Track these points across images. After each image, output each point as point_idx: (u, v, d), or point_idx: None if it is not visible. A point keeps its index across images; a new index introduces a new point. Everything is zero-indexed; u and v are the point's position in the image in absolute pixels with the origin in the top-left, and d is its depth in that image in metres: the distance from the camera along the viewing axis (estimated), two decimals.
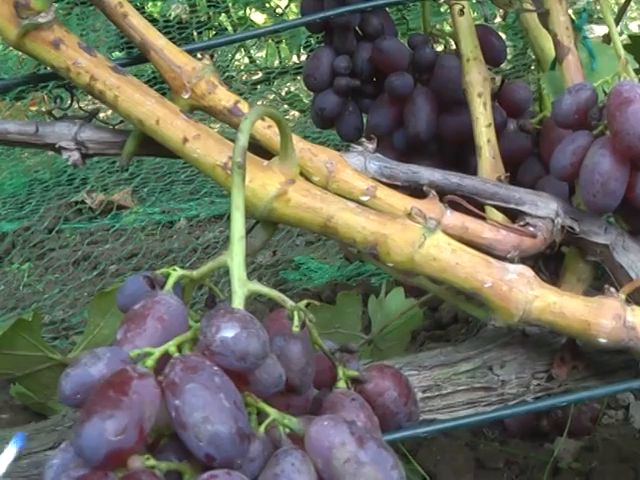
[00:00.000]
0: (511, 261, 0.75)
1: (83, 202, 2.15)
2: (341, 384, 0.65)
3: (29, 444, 0.75)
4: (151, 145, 0.78)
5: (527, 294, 0.70)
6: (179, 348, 0.55)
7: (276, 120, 0.67)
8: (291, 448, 0.53)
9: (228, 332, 0.51)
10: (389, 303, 1.08)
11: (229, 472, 0.48)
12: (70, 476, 0.47)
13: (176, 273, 0.63)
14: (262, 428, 0.54)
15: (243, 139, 0.62)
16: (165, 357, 0.54)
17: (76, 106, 0.84)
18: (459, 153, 1.04)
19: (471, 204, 0.78)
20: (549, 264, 0.88)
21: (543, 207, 0.78)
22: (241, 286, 0.59)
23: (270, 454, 0.53)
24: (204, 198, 2.19)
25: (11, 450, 0.47)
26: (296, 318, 0.62)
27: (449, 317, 1.41)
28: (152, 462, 0.49)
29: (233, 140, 0.75)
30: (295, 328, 0.61)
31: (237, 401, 0.50)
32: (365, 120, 1.06)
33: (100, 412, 0.47)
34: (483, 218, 0.78)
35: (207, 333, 0.52)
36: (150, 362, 0.53)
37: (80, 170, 2.25)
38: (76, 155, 0.78)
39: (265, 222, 0.75)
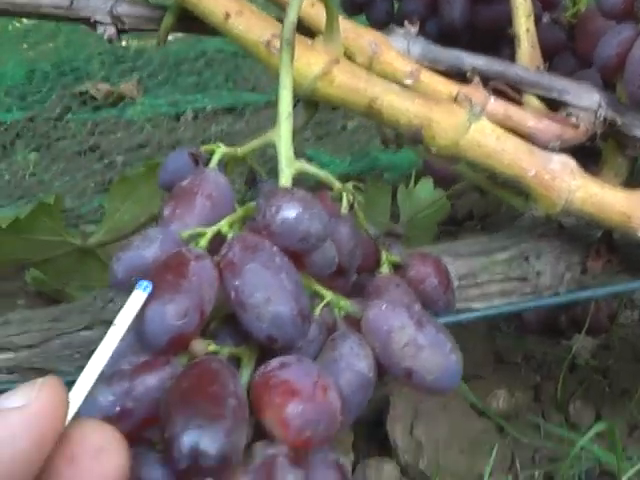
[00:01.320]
0: (553, 150, 0.74)
1: (88, 93, 2.11)
2: (384, 269, 0.64)
3: (61, 325, 0.74)
4: (189, 21, 0.75)
5: (570, 184, 0.70)
6: (231, 228, 0.54)
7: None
8: (348, 332, 0.53)
9: (290, 212, 0.50)
10: (418, 193, 1.07)
11: (300, 359, 0.47)
12: (131, 362, 0.46)
13: (221, 150, 0.62)
14: (318, 310, 0.53)
15: (292, 14, 0.60)
16: (217, 238, 0.53)
17: None
18: (491, 43, 1.01)
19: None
20: (586, 158, 0.87)
21: (586, 98, 0.77)
22: (289, 165, 0.58)
23: (326, 337, 0.53)
24: (211, 90, 2.15)
25: (140, 295, 0.45)
26: (345, 199, 0.61)
27: (464, 213, 1.40)
28: (214, 347, 0.48)
29: (276, 18, 0.73)
30: (344, 210, 0.60)
31: (298, 282, 0.49)
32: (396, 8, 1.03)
33: (160, 296, 0.46)
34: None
35: (266, 213, 0.50)
36: (203, 243, 0.52)
37: (83, 61, 2.21)
38: (112, 30, 0.76)
39: (307, 102, 0.73)
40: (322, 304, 0.54)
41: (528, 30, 0.87)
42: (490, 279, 0.77)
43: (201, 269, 0.48)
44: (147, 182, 1.03)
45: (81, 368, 0.74)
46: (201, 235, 0.53)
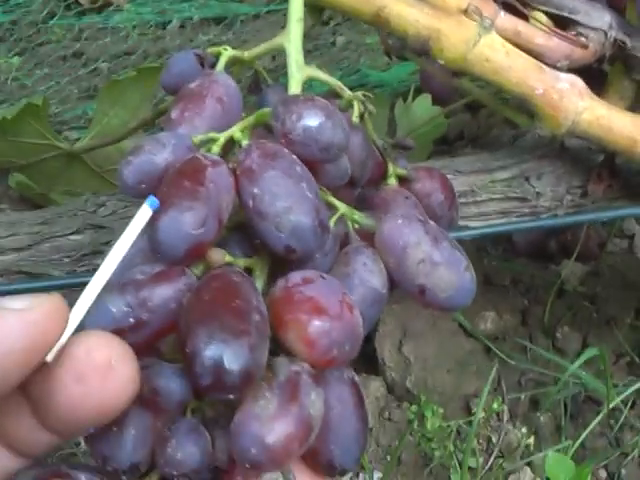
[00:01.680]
0: (561, 70, 0.73)
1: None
2: (391, 181, 0.63)
3: (50, 228, 0.73)
4: None
5: (577, 105, 0.69)
6: (242, 134, 0.52)
7: None
8: (362, 246, 0.51)
9: (311, 120, 0.48)
10: (415, 109, 1.05)
11: (322, 275, 0.45)
12: (144, 272, 0.44)
13: (227, 53, 0.60)
14: (332, 222, 0.51)
15: None
16: (229, 144, 0.51)
17: None
18: None
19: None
20: (590, 80, 0.85)
21: (597, 18, 0.75)
22: (299, 70, 0.57)
23: (338, 251, 0.51)
24: (199, 1, 2.10)
25: (146, 210, 0.43)
26: (356, 108, 0.59)
27: (455, 133, 1.38)
28: (229, 258, 0.46)
29: None
30: (355, 118, 0.59)
31: (318, 192, 0.47)
32: None
33: (177, 204, 0.43)
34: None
35: (286, 120, 0.48)
36: (216, 148, 0.50)
37: None
38: None
39: (312, 6, 0.70)
40: (336, 216, 0.52)
41: None
42: (489, 197, 0.76)
43: (218, 175, 0.46)
44: (137, 87, 1.00)
45: (71, 272, 0.73)
46: (214, 140, 0.51)
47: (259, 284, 0.46)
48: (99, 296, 0.41)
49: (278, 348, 0.43)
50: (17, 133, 0.99)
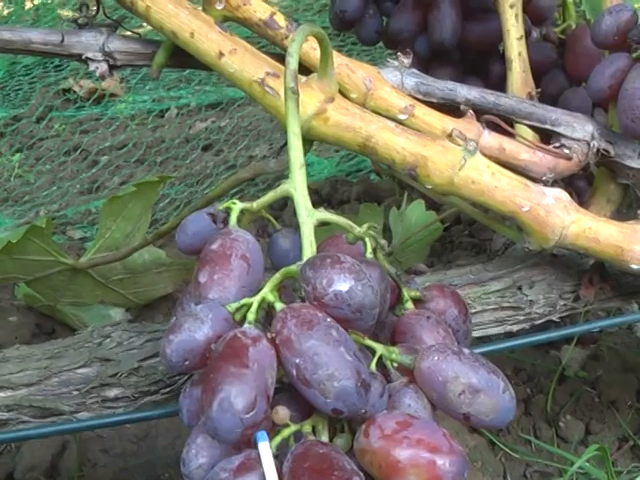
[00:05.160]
0: (546, 183, 0.75)
1: (72, 91, 2.09)
2: (409, 305, 0.64)
3: (58, 362, 0.75)
4: (182, 57, 0.75)
5: (564, 219, 0.70)
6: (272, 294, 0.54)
7: (319, 38, 0.65)
8: (404, 386, 0.55)
9: (342, 285, 0.51)
10: (410, 215, 1.07)
11: (410, 414, 0.50)
12: (225, 468, 0.47)
13: (237, 207, 0.62)
14: (373, 365, 0.55)
15: (294, 62, 0.61)
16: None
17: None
18: (481, 61, 1.02)
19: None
20: (578, 183, 0.88)
21: (579, 129, 0.77)
22: (309, 215, 0.58)
23: (384, 390, 0.53)
24: (195, 87, 2.14)
25: (266, 446, 0.48)
26: (368, 245, 0.61)
27: (451, 219, 1.40)
28: (295, 426, 0.50)
29: (269, 53, 0.73)
30: (369, 255, 0.60)
31: (356, 351, 0.50)
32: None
33: (227, 391, 0.46)
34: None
35: (317, 285, 0.51)
36: (251, 316, 0.53)
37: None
38: (104, 67, 0.75)
39: (302, 140, 0.73)
40: (375, 359, 0.55)
41: (520, 54, 0.88)
42: (484, 308, 0.78)
43: (260, 353, 0.49)
44: (137, 201, 1.02)
45: (79, 405, 0.75)
46: (247, 306, 0.54)
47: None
48: None
49: None
50: (23, 253, 1.01)
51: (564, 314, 0.80)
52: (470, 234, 1.39)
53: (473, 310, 0.78)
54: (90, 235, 1.51)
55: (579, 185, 0.89)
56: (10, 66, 2.20)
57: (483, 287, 0.79)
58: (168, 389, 0.73)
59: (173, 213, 1.57)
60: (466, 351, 0.55)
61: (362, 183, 1.57)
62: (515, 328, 0.80)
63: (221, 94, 2.09)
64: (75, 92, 2.09)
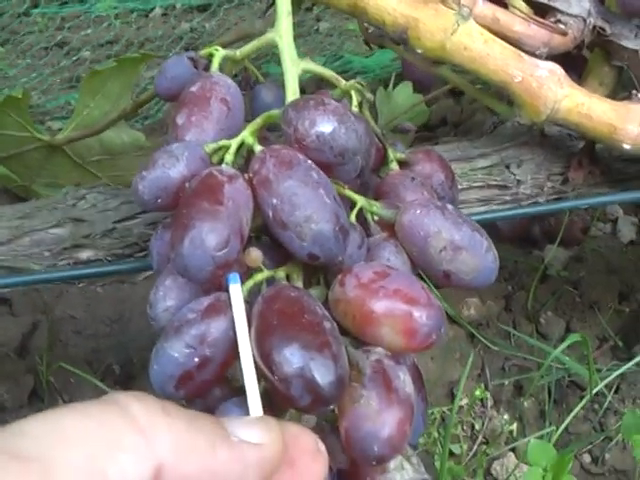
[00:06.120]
0: (540, 57, 0.72)
1: None
2: (393, 166, 0.63)
3: (30, 222, 0.72)
4: None
5: (557, 92, 0.68)
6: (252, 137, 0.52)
7: None
8: (384, 240, 0.53)
9: (324, 127, 0.48)
10: (397, 97, 1.05)
11: (389, 266, 0.48)
12: (194, 309, 0.45)
13: (220, 53, 0.60)
14: (353, 217, 0.53)
15: None
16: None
17: None
18: None
19: None
20: (572, 65, 0.85)
21: (576, 5, 0.74)
22: (293, 64, 0.57)
23: (363, 242, 0.52)
24: None
25: (237, 288, 0.45)
26: (354, 98, 0.59)
27: (438, 119, 1.38)
28: (267, 272, 0.48)
29: None
30: (354, 108, 0.59)
31: (335, 196, 0.48)
32: None
33: (199, 227, 0.44)
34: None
35: (298, 126, 0.49)
36: (229, 157, 0.51)
37: None
38: None
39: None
40: (356, 209, 0.53)
41: None
42: (470, 186, 0.76)
43: (235, 191, 0.47)
44: (117, 77, 0.99)
45: (51, 266, 0.73)
46: (225, 147, 0.52)
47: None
48: (160, 346, 0.43)
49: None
50: None
51: (552, 197, 0.78)
52: (455, 135, 1.36)
53: (459, 187, 0.76)
54: None
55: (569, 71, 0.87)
56: None
57: (470, 163, 0.76)
58: (142, 253, 0.70)
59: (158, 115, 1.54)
60: (450, 207, 0.53)
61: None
62: (501, 209, 0.78)
63: None
64: None
